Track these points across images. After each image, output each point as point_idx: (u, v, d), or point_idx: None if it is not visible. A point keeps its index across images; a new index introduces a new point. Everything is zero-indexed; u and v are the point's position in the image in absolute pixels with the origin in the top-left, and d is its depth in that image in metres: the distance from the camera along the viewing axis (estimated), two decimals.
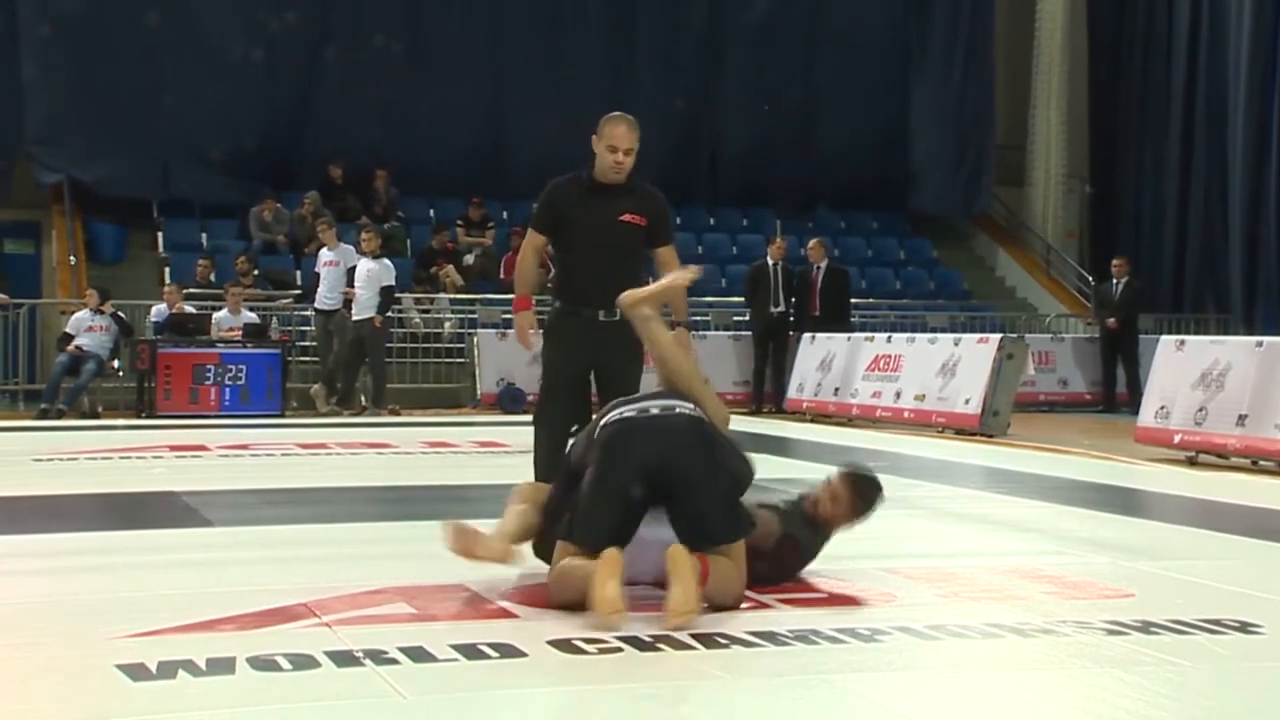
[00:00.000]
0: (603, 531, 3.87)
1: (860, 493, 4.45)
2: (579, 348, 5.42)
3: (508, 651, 3.45)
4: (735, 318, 16.06)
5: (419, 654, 3.39)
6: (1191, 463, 8.86)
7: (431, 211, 18.13)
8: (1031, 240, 20.43)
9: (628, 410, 4.07)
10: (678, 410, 4.04)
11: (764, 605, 4.09)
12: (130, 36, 16.89)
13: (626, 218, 5.38)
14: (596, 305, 5.36)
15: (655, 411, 4.02)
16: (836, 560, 4.95)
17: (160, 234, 17.09)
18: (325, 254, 13.79)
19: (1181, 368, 9.24)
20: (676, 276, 4.77)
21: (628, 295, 4.62)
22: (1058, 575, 4.66)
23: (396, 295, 14.09)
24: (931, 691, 3.21)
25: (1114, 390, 14.59)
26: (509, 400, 13.86)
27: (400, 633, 3.62)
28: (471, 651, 3.43)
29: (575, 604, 3.80)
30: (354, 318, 13.24)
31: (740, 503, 4.04)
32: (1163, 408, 9.27)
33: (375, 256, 13.30)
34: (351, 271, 13.40)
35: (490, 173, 17.82)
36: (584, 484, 3.94)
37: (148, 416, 12.64)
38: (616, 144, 5.29)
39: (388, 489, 7.35)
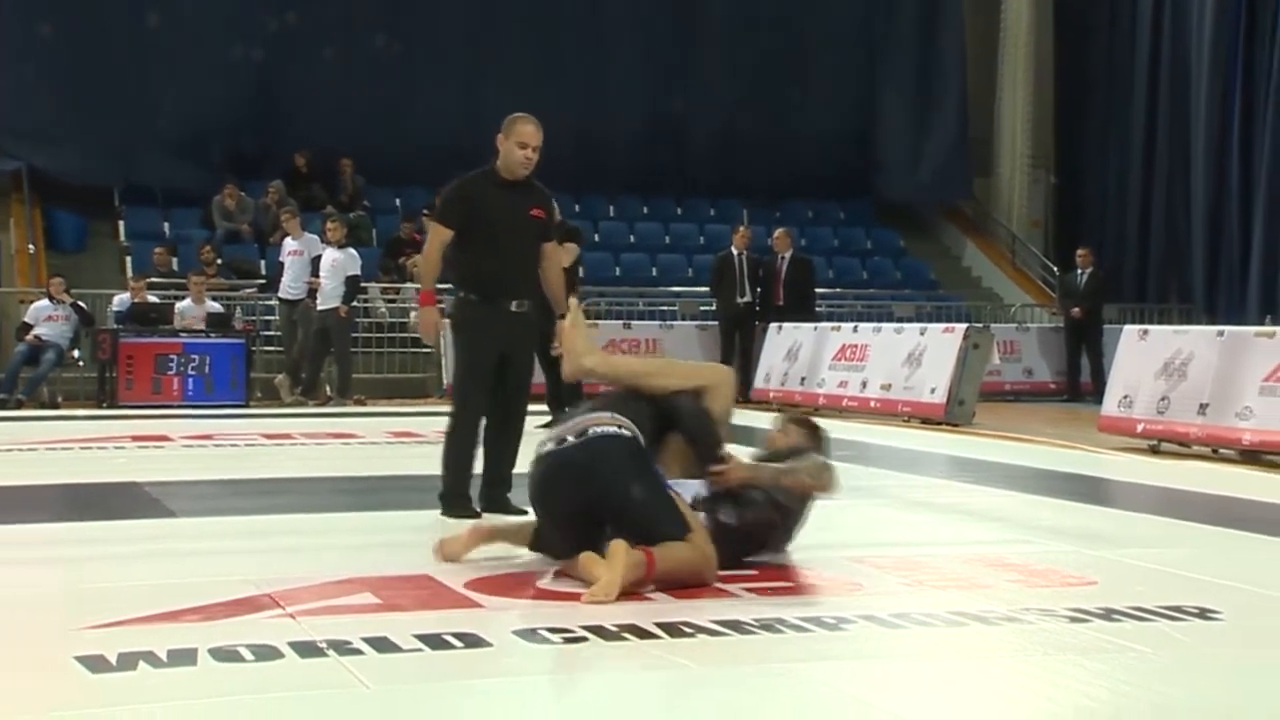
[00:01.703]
0: (564, 551, 4.28)
1: (804, 424, 4.96)
2: (492, 339, 5.67)
3: (472, 641, 3.44)
4: (702, 307, 16.06)
5: (383, 644, 3.38)
6: (1154, 451, 8.93)
7: (398, 201, 18.03)
8: (997, 230, 20.51)
9: (549, 443, 4.32)
10: (590, 433, 4.24)
11: (729, 594, 4.10)
12: (98, 25, 16.70)
13: (535, 212, 5.73)
14: (510, 296, 5.68)
15: (571, 440, 4.24)
16: (803, 550, 4.96)
17: (121, 222, 16.93)
18: (290, 243, 13.70)
19: (1145, 357, 9.30)
20: (571, 322, 4.86)
21: (574, 367, 4.71)
22: (1022, 563, 4.69)
23: (362, 285, 14.01)
24: (897, 680, 3.23)
25: (1079, 379, 14.67)
26: None
27: (364, 623, 3.61)
28: (436, 642, 3.42)
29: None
30: (319, 307, 13.16)
31: (674, 505, 4.19)
32: (1126, 397, 9.34)
33: (340, 246, 13.21)
34: (316, 261, 13.32)
35: (458, 162, 17.62)
36: (539, 516, 4.42)
37: (109, 407, 12.53)
38: (527, 141, 5.60)
39: (353, 479, 7.32)
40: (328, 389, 13.64)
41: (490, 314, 5.67)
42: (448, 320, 6.17)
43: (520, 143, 5.60)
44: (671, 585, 4.06)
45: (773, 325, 14.04)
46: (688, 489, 4.32)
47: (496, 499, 5.74)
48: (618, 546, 3.99)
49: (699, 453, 4.40)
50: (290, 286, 13.57)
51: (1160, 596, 4.07)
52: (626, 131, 19.18)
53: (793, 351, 13.53)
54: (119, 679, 3.10)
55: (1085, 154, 20.06)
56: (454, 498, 5.73)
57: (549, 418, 10.30)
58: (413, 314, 15.67)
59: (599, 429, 4.24)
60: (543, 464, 4.32)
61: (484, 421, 5.74)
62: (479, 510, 5.62)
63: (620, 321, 15.33)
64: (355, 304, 13.65)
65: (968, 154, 20.07)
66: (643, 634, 3.54)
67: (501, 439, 5.79)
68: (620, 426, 4.25)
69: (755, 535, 4.48)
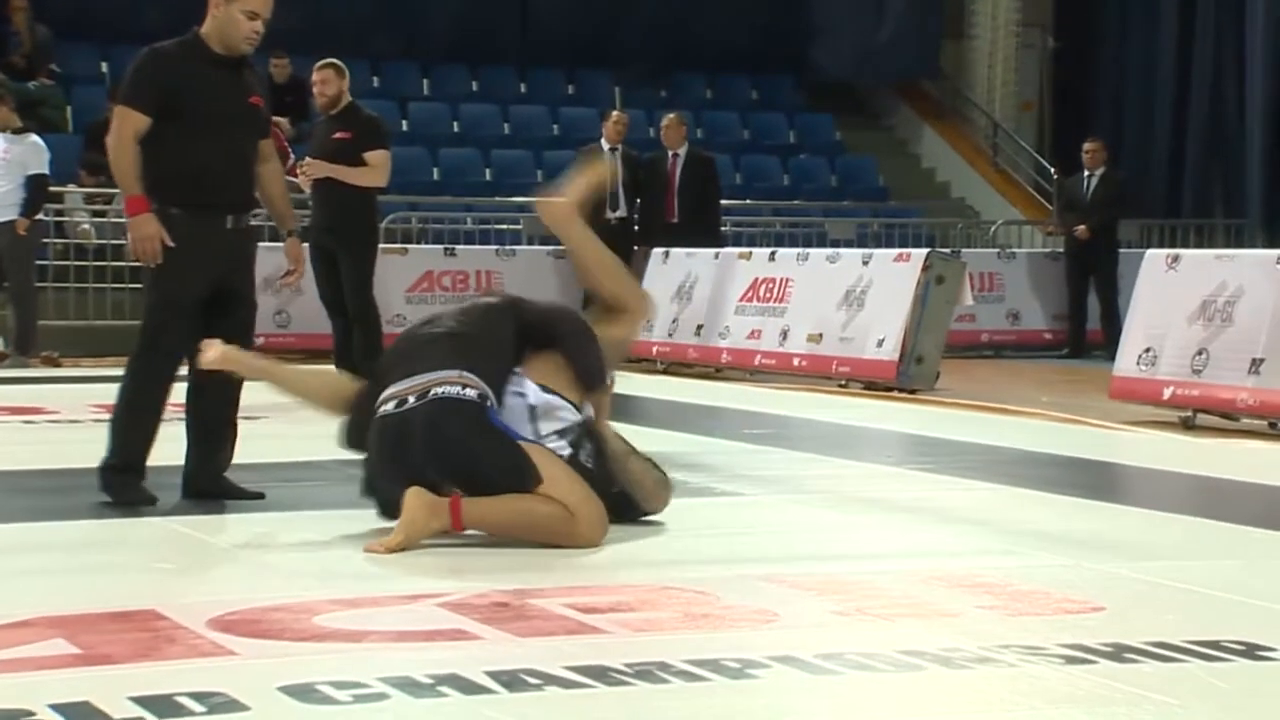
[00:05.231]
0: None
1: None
2: (203, 266, 6.00)
3: (220, 704, 3.42)
4: None
5: (83, 713, 3.34)
6: (1187, 426, 9.17)
7: (105, 65, 17.67)
8: (972, 116, 20.81)
9: (389, 402, 5.31)
10: (433, 394, 5.24)
11: (591, 628, 4.14)
12: None
13: (256, 99, 6.14)
14: (225, 210, 6.04)
15: (412, 402, 5.26)
16: (698, 565, 5.01)
17: None
18: None
19: (1175, 294, 9.50)
20: (599, 167, 6.11)
21: (558, 210, 5.93)
22: (1001, 583, 4.80)
23: (52, 189, 13.72)
24: None
25: (1084, 326, 15.00)
26: None
27: (56, 682, 3.57)
28: (164, 707, 3.39)
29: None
30: None
31: (521, 458, 5.22)
32: (1149, 350, 9.56)
33: (16, 130, 12.94)
34: None
35: (195, 5, 17.37)
36: (372, 472, 5.43)
37: None
38: (258, 10, 5.98)
39: (39, 474, 7.22)
40: (0, 342, 13.37)
41: (200, 233, 5.96)
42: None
43: (249, 10, 5.98)
44: (521, 538, 5.18)
45: (657, 251, 14.09)
46: (556, 411, 5.45)
47: (213, 481, 6.13)
48: (413, 493, 5.09)
49: (582, 379, 5.53)
50: None
51: (1192, 628, 4.19)
52: None
53: (685, 288, 13.60)
54: None
55: (1098, 9, 20.37)
56: (119, 472, 6.05)
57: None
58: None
59: (442, 389, 5.24)
60: (381, 427, 5.30)
61: (167, 379, 6.17)
62: (153, 495, 6.04)
63: (441, 247, 15.25)
64: (42, 216, 13.36)
65: (938, 9, 20.27)
66: (469, 687, 3.56)
67: (217, 402, 6.13)
68: (466, 386, 5.26)
69: (605, 495, 5.43)
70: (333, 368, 5.91)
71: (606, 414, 5.64)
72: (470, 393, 5.26)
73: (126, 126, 5.98)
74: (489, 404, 5.29)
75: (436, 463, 5.20)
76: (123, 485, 6.04)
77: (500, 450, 5.24)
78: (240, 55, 6.07)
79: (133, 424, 6.07)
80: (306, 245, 10.88)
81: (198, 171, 5.97)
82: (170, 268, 5.95)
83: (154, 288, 6.07)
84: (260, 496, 6.12)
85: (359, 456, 5.54)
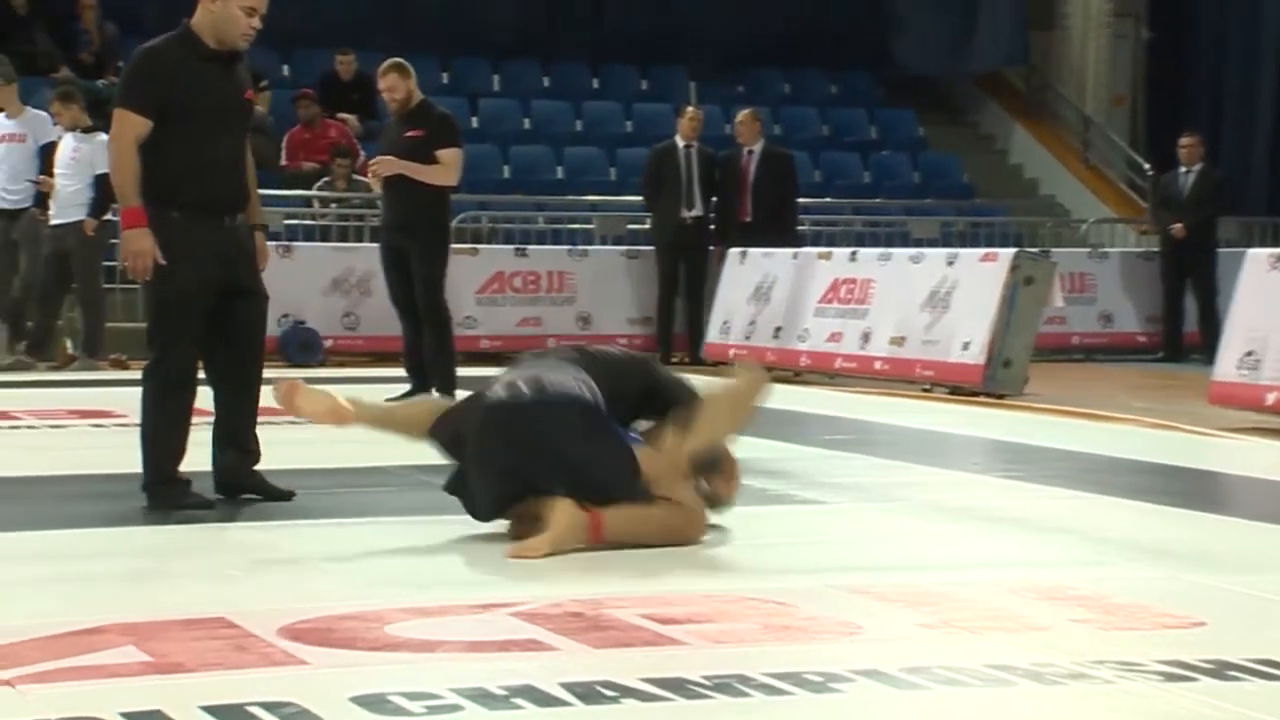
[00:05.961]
0: (490, 510, 5.51)
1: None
2: (205, 269, 6.08)
3: (293, 715, 3.45)
4: (631, 225, 16.07)
5: None
6: None
7: None
8: (1062, 111, 20.69)
9: (500, 389, 5.50)
10: (547, 385, 5.44)
11: (669, 640, 4.15)
12: None
13: (251, 95, 6.28)
14: (224, 210, 6.14)
15: (525, 391, 5.43)
16: (778, 575, 5.01)
17: None
18: (3, 123, 13.52)
19: (1279, 294, 9.45)
20: (751, 377, 5.88)
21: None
22: (1095, 595, 4.78)
23: None
24: None
25: (1180, 329, 14.92)
26: (297, 346, 13.75)
27: (126, 691, 3.60)
28: (237, 716, 3.43)
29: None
30: (53, 222, 13.04)
31: (628, 461, 5.39)
32: (1250, 354, 9.50)
33: (85, 130, 13.07)
34: (48, 151, 13.16)
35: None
36: (467, 462, 5.52)
37: None
38: (256, 6, 6.06)
39: (108, 478, 7.25)
40: (69, 344, 13.53)
41: (201, 235, 6.06)
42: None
43: (248, 6, 6.06)
44: (646, 545, 5.27)
45: (733, 252, 14.10)
46: None
47: (244, 476, 6.25)
48: (562, 504, 5.20)
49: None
50: (6, 190, 13.40)
51: None
52: None
53: (763, 290, 13.59)
54: None
55: None
56: (163, 485, 6.15)
57: (409, 385, 10.33)
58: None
59: (557, 382, 5.44)
60: (488, 419, 5.44)
61: (189, 391, 6.27)
62: (209, 499, 6.22)
63: (512, 247, 15.30)
64: (110, 217, 13.49)
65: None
66: (544, 699, 3.57)
67: (236, 400, 6.28)
68: (581, 385, 5.45)
69: None
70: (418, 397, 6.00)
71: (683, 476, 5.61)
72: (585, 392, 5.44)
73: (128, 131, 6.04)
74: (601, 409, 5.45)
75: (543, 461, 5.35)
76: (170, 494, 6.14)
77: (610, 452, 5.41)
78: (237, 51, 6.17)
79: (163, 439, 6.19)
80: (377, 245, 11.05)
81: (196, 171, 6.05)
82: (175, 273, 6.01)
83: (158, 295, 6.14)
84: (290, 496, 6.21)
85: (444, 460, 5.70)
